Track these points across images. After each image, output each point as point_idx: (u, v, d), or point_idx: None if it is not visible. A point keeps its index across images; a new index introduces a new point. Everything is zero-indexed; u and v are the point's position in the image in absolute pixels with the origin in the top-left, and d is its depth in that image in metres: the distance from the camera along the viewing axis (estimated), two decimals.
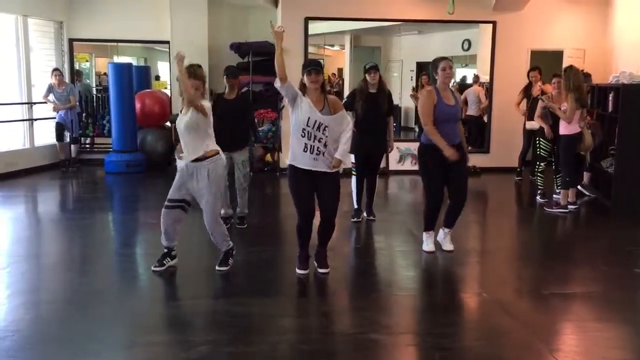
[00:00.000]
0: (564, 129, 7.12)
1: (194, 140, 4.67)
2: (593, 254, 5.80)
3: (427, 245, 5.52)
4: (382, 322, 4.06)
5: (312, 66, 4.59)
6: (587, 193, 8.11)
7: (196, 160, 4.66)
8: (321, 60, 4.85)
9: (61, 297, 4.54)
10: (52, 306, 4.34)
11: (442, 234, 5.57)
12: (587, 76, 8.12)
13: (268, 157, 9.94)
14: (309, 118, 4.51)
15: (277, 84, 4.53)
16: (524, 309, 4.36)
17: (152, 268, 4.92)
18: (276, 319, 4.10)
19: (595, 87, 8.29)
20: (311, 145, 4.53)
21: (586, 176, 8.25)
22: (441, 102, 5.10)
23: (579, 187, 7.70)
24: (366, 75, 6.21)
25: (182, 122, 4.68)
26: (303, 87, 4.60)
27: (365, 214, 6.68)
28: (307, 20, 9.71)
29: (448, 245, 5.54)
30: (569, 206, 7.31)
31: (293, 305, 4.41)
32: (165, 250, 4.98)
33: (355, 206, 6.66)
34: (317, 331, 3.93)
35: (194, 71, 4.63)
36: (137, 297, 4.66)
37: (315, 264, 4.89)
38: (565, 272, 5.27)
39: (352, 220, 6.60)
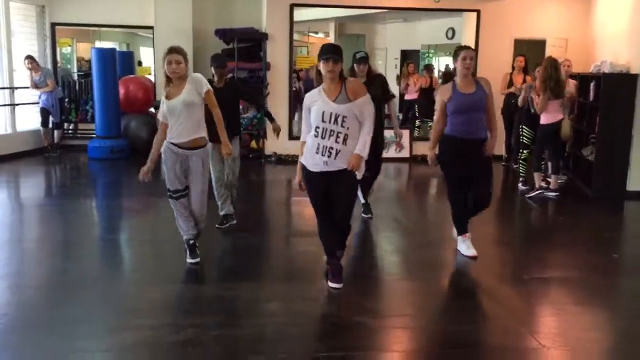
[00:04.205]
0: (542, 118, 7.22)
1: (191, 121, 4.48)
2: (573, 240, 5.92)
3: (468, 250, 5.08)
4: (368, 305, 4.13)
5: (330, 54, 3.97)
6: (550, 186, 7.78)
7: (190, 147, 4.52)
8: (339, 45, 4.18)
9: (47, 282, 4.57)
10: (38, 290, 4.35)
11: (461, 240, 5.16)
12: (566, 66, 8.07)
13: (253, 143, 9.95)
14: (323, 112, 3.96)
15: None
16: (506, 294, 4.45)
17: (189, 261, 4.73)
18: (263, 302, 4.16)
19: (577, 76, 8.40)
20: (324, 146, 3.98)
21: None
22: (457, 92, 4.81)
23: (547, 174, 7.73)
24: (354, 65, 5.76)
25: (177, 102, 4.43)
26: (319, 75, 4.09)
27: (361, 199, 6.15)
28: (293, 6, 9.69)
29: (471, 251, 5.07)
30: (550, 193, 7.43)
31: (279, 289, 4.45)
32: (192, 242, 4.76)
33: (362, 200, 6.17)
34: (304, 315, 3.98)
35: (174, 47, 4.47)
36: (124, 282, 4.68)
37: (326, 276, 4.39)
38: (546, 258, 5.39)
39: (364, 216, 6.21)
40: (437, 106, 4.94)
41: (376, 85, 5.72)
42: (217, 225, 5.64)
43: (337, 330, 3.74)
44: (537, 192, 7.39)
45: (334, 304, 4.22)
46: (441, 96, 4.89)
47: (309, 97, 4.10)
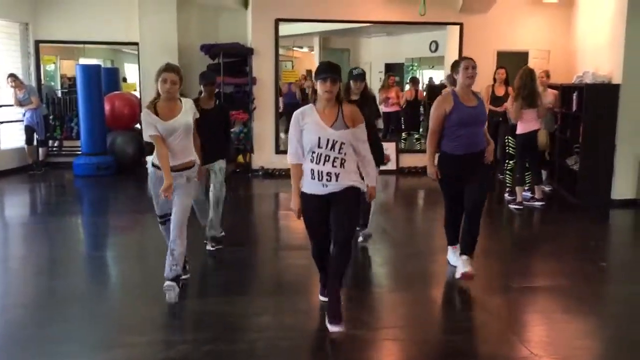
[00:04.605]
0: (518, 127, 7.31)
1: (186, 144, 4.32)
2: (560, 249, 5.96)
3: (454, 262, 4.94)
4: (360, 317, 4.12)
5: (329, 73, 3.73)
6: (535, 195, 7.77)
7: (180, 170, 4.27)
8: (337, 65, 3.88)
9: (33, 300, 4.51)
10: (24, 309, 4.30)
11: (462, 262, 4.75)
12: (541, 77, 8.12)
13: (240, 158, 9.94)
14: (319, 138, 3.73)
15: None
16: (495, 303, 4.47)
17: (169, 301, 4.26)
18: (254, 317, 4.15)
19: (559, 87, 8.52)
20: (320, 172, 3.77)
21: (544, 174, 8.42)
22: (459, 105, 4.59)
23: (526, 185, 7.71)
24: (350, 82, 5.41)
25: (178, 124, 4.22)
26: (315, 94, 3.86)
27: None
28: (278, 21, 9.74)
29: (468, 268, 4.69)
30: (535, 203, 7.51)
31: (270, 303, 4.44)
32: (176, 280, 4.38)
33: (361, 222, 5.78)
34: (296, 328, 3.97)
35: (171, 65, 4.29)
36: (112, 299, 4.64)
37: (326, 315, 3.86)
38: (534, 267, 5.44)
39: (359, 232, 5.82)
40: (435, 116, 4.69)
41: (370, 104, 5.45)
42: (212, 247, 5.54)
43: (330, 343, 3.73)
44: (520, 205, 7.43)
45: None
46: (441, 106, 4.65)
47: (300, 115, 3.82)
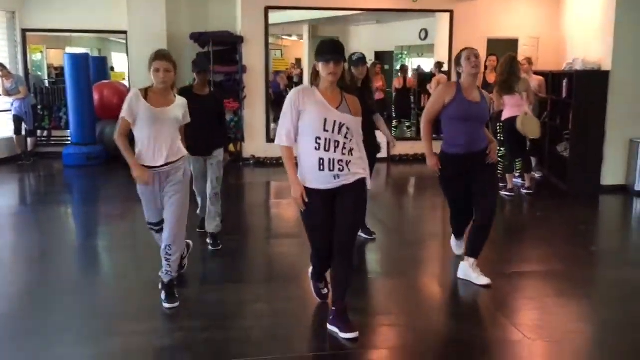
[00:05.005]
0: (503, 114, 7.32)
1: (174, 138, 4.01)
2: (551, 235, 6.01)
3: (457, 251, 4.95)
4: (354, 304, 4.11)
5: (333, 54, 3.38)
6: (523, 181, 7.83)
7: (170, 163, 3.96)
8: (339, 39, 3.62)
9: (26, 291, 4.48)
10: (18, 300, 4.28)
11: (468, 265, 4.55)
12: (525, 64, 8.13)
13: (231, 147, 9.90)
14: (325, 120, 3.36)
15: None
16: (489, 288, 4.50)
17: (168, 306, 4.06)
18: (249, 304, 4.16)
19: (549, 74, 8.55)
20: (331, 160, 3.37)
21: (534, 161, 8.45)
22: (461, 97, 4.29)
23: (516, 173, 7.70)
24: (352, 68, 5.12)
25: (166, 115, 3.92)
26: (315, 76, 3.49)
27: None
28: (268, 9, 9.69)
29: (482, 279, 4.45)
30: (523, 190, 7.54)
31: (264, 290, 4.45)
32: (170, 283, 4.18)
33: None
34: (290, 315, 3.98)
35: (163, 53, 3.98)
36: (106, 288, 4.62)
37: (336, 330, 3.61)
38: (526, 252, 5.48)
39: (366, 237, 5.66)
40: (432, 103, 4.42)
41: (368, 93, 5.21)
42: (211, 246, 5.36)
43: (324, 330, 3.74)
44: (511, 192, 7.47)
45: (320, 304, 4.23)
46: (441, 96, 4.35)
47: (299, 95, 3.42)
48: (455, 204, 4.69)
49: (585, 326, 3.95)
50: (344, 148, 3.39)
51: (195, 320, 3.83)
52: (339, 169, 3.40)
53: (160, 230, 4.13)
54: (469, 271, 4.53)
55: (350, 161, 3.43)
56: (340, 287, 3.59)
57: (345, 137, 3.39)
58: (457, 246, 5.05)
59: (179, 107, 4.03)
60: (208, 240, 5.36)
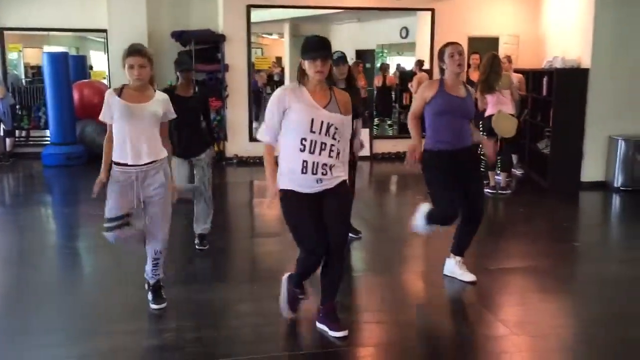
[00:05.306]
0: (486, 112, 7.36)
1: (155, 136, 3.79)
2: (533, 231, 6.09)
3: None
4: (342, 301, 4.11)
5: (318, 51, 3.25)
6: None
7: (150, 162, 3.75)
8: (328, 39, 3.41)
9: (8, 292, 4.42)
10: (1, 300, 4.22)
11: (454, 263, 4.55)
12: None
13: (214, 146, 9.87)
14: (312, 120, 3.23)
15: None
16: (474, 285, 4.53)
17: (155, 307, 4.00)
18: (235, 304, 4.15)
19: (529, 72, 8.63)
20: (315, 163, 3.26)
21: (514, 158, 8.52)
22: (444, 92, 4.18)
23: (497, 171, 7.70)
24: (333, 67, 4.37)
25: (144, 111, 3.71)
26: (302, 75, 3.35)
27: None
28: (249, 7, 9.65)
29: (468, 275, 4.47)
30: (500, 190, 7.57)
31: (250, 290, 4.44)
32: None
33: None
34: (276, 314, 3.94)
35: (136, 48, 3.71)
36: (90, 289, 4.58)
37: (325, 328, 3.61)
38: (509, 249, 5.54)
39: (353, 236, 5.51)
40: (416, 100, 4.34)
41: (353, 93, 4.64)
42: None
43: (311, 328, 3.74)
44: (493, 189, 7.52)
45: (306, 302, 4.22)
46: (423, 93, 4.25)
47: (285, 93, 3.32)
48: (444, 202, 4.26)
49: (570, 321, 4.02)
50: (331, 150, 3.28)
51: (182, 320, 3.80)
52: (322, 173, 3.29)
53: (122, 225, 3.78)
54: (454, 268, 4.54)
55: (334, 165, 3.32)
56: (332, 287, 3.58)
57: (333, 138, 3.28)
58: (425, 228, 4.49)
59: (158, 102, 3.79)
60: (195, 240, 5.31)
